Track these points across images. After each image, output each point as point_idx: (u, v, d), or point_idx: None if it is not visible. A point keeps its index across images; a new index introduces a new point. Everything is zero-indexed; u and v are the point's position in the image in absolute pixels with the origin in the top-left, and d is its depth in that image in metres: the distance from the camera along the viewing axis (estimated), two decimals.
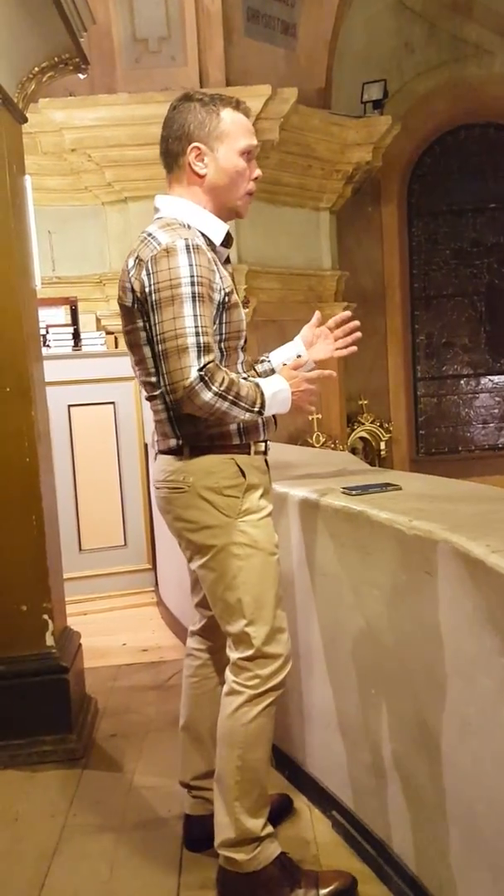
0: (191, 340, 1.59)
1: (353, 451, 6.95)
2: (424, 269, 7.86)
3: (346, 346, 2.01)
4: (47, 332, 4.30)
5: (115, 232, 5.35)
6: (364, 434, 7.26)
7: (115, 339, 4.95)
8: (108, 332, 4.98)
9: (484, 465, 7.60)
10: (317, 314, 2.05)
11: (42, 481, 2.55)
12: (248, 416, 1.69)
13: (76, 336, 4.48)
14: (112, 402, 4.19)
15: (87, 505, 4.17)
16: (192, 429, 1.71)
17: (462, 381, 8.00)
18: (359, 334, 2.01)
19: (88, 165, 5.20)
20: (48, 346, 4.26)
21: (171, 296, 1.60)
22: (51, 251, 5.17)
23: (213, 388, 1.59)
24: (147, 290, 1.64)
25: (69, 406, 4.11)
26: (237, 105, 1.77)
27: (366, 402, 7.31)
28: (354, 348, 2.01)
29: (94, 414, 4.19)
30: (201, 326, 1.60)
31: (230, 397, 1.62)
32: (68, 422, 4.12)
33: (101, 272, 5.35)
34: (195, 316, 1.60)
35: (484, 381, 7.99)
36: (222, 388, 1.60)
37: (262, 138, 5.23)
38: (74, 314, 4.71)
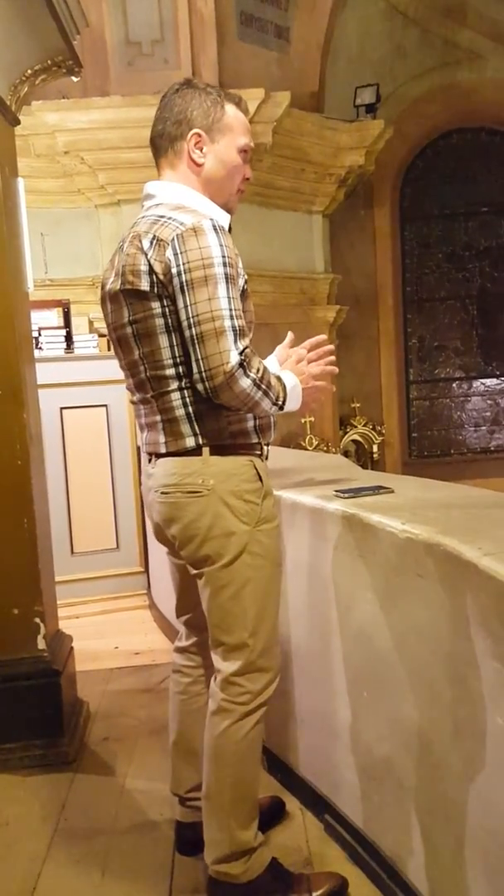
0: (227, 323, 1.50)
1: (346, 453, 6.95)
2: (417, 273, 7.89)
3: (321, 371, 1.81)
4: (39, 335, 4.29)
5: (108, 234, 5.34)
6: (356, 437, 7.26)
7: (108, 341, 4.94)
8: (101, 335, 4.96)
9: (476, 468, 7.63)
10: (290, 335, 1.91)
11: (34, 484, 2.55)
12: (273, 409, 1.62)
13: (68, 338, 4.46)
14: (104, 405, 4.19)
15: (79, 508, 4.16)
16: (214, 425, 1.62)
17: (454, 385, 8.02)
18: (332, 358, 1.84)
19: (81, 168, 5.20)
20: (40, 348, 4.24)
21: (204, 276, 1.51)
22: (43, 253, 5.16)
23: (251, 374, 1.52)
24: (174, 269, 1.53)
25: (61, 408, 4.10)
26: (239, 102, 1.73)
27: (358, 404, 7.32)
28: (334, 369, 1.83)
29: (86, 416, 4.18)
30: (235, 309, 1.52)
31: (263, 386, 1.56)
32: (60, 424, 4.11)
33: (94, 275, 5.34)
34: (229, 298, 1.52)
35: (476, 384, 8.01)
36: (258, 376, 1.54)
37: (256, 142, 5.20)
38: (67, 317, 4.69)
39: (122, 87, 5.09)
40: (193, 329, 1.53)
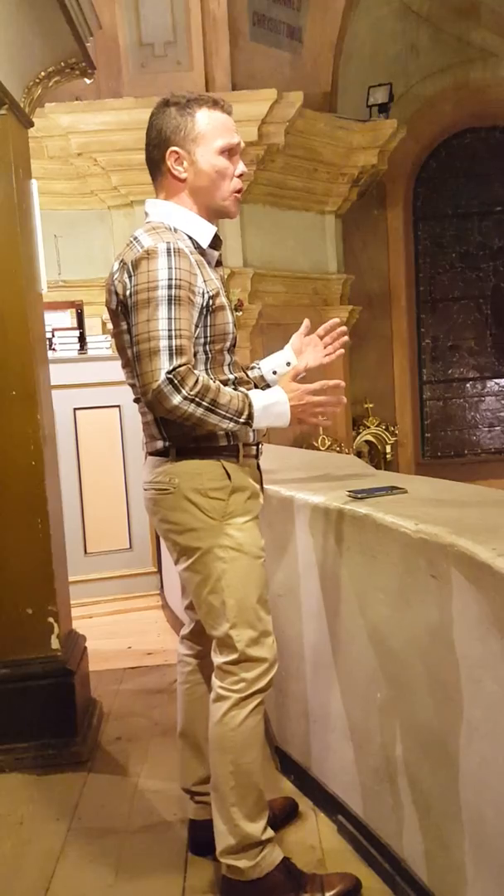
0: (163, 343, 1.58)
1: (359, 454, 6.94)
2: (430, 273, 7.86)
3: (334, 351, 1.96)
4: (53, 336, 4.31)
5: (121, 236, 5.36)
6: (370, 437, 7.25)
7: None
8: None
9: (490, 469, 7.59)
10: (306, 322, 2.00)
11: (47, 484, 2.56)
12: (231, 425, 1.66)
13: (82, 339, 4.48)
14: (118, 406, 4.20)
15: (92, 508, 4.18)
16: (178, 430, 1.71)
17: (468, 385, 7.99)
18: (346, 338, 1.98)
19: (94, 169, 5.22)
20: (54, 349, 4.26)
21: (147, 298, 1.61)
22: (57, 255, 5.18)
23: (184, 391, 1.57)
24: (127, 292, 1.66)
25: (75, 409, 4.11)
26: (214, 104, 1.75)
27: (371, 405, 7.30)
28: (341, 351, 1.97)
29: (99, 417, 4.19)
30: (175, 329, 1.59)
31: (205, 403, 1.60)
32: (74, 425, 4.13)
33: (107, 276, 5.36)
34: (170, 319, 1.59)
35: (490, 384, 7.98)
36: (193, 393, 1.58)
37: (268, 142, 5.24)
38: (80, 318, 4.72)
39: (135, 89, 5.11)
40: (134, 348, 1.64)
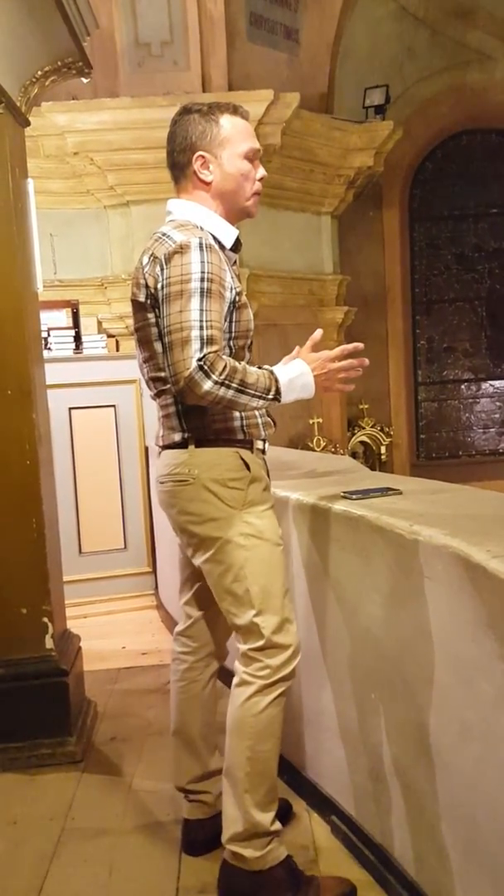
0: (194, 333, 1.61)
1: (354, 455, 6.94)
2: (426, 274, 7.87)
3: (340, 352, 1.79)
4: (49, 335, 4.31)
5: (118, 235, 5.35)
6: (365, 438, 7.25)
7: (117, 342, 4.95)
8: (110, 335, 4.98)
9: (484, 470, 7.60)
10: (318, 332, 1.85)
11: (42, 484, 2.55)
12: (261, 402, 1.68)
13: (77, 339, 4.48)
14: (113, 405, 4.20)
15: (87, 508, 4.17)
16: (198, 422, 1.74)
17: (463, 386, 8.00)
18: (358, 371, 1.80)
19: (91, 169, 5.21)
20: (49, 348, 4.26)
21: (180, 290, 1.64)
22: (52, 254, 5.17)
23: (214, 376, 1.60)
24: (159, 285, 1.69)
25: (70, 409, 4.11)
26: (235, 110, 1.82)
27: (366, 406, 7.30)
28: (351, 386, 1.82)
29: (94, 417, 4.19)
30: (206, 321, 1.62)
31: (234, 385, 1.62)
32: (69, 424, 4.13)
33: (103, 275, 5.36)
34: (201, 310, 1.63)
35: (485, 385, 7.99)
36: (223, 377, 1.61)
37: (265, 143, 5.23)
38: (76, 317, 4.71)
39: (132, 89, 5.10)
40: (166, 338, 1.67)
